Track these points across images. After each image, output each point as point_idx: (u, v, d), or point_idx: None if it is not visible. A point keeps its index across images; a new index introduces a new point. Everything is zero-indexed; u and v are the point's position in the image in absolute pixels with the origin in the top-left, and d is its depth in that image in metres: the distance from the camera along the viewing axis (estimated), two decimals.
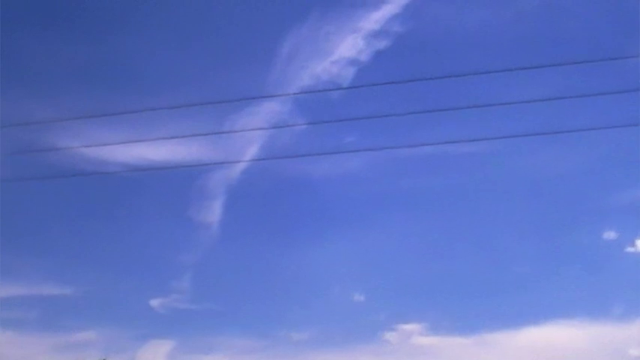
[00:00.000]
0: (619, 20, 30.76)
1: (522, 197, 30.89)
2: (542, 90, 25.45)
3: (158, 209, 32.07)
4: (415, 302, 29.77)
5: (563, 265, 29.69)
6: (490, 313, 29.39)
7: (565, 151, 30.13)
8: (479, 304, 29.63)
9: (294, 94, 30.13)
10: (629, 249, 29.60)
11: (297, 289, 30.78)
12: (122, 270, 31.14)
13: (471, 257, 30.46)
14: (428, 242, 30.99)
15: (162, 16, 31.87)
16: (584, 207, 30.51)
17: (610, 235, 30.07)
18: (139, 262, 31.33)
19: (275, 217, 32.04)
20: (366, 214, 31.83)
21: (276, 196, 32.21)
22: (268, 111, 29.16)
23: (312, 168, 31.05)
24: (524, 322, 28.87)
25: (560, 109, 24.68)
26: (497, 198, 31.11)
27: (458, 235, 30.82)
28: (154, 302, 30.37)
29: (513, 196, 30.97)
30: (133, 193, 31.70)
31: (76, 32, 31.36)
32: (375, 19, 31.15)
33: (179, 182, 31.01)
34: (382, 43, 31.32)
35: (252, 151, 29.37)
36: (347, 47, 31.24)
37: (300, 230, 31.80)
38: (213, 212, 31.52)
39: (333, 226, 31.65)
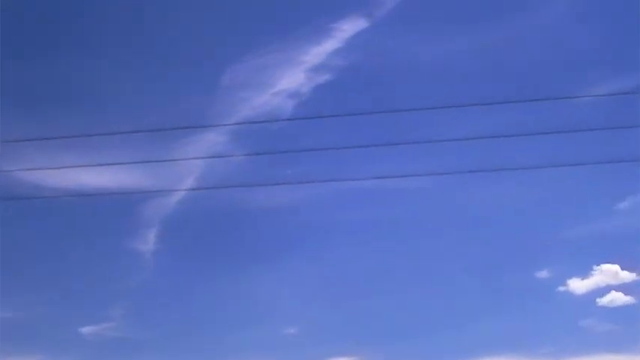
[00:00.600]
0: (569, 59, 31.61)
1: (460, 233, 31.16)
2: (484, 127, 25.89)
3: (93, 236, 31.60)
4: (349, 336, 29.68)
5: (497, 302, 30.08)
6: (424, 349, 29.53)
7: (502, 189, 30.56)
8: (413, 340, 29.79)
9: (234, 124, 30.05)
10: (561, 288, 30.15)
11: (230, 320, 30.55)
12: (53, 297, 30.51)
13: (406, 292, 30.61)
14: (364, 276, 31.00)
15: (104, 42, 31.65)
16: (519, 245, 30.90)
17: (543, 274, 30.59)
18: (71, 289, 30.75)
19: (211, 248, 31.80)
20: (303, 247, 31.83)
21: (213, 226, 31.99)
22: (208, 141, 29.21)
23: (250, 199, 30.91)
24: (458, 358, 29.00)
25: (500, 147, 25.14)
26: (435, 234, 31.40)
27: (394, 270, 30.92)
28: (85, 330, 29.82)
29: (451, 232, 31.24)
30: (67, 218, 31.22)
31: (10, 52, 30.87)
32: (316, 52, 31.50)
33: (115, 209, 30.63)
34: (323, 77, 31.69)
35: (190, 181, 29.34)
36: (288, 80, 31.55)
37: (235, 261, 31.57)
38: (149, 241, 31.17)
39: (269, 258, 31.46)
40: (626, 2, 31.39)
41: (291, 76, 31.55)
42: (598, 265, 30.07)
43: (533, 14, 31.75)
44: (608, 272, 30.06)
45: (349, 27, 31.13)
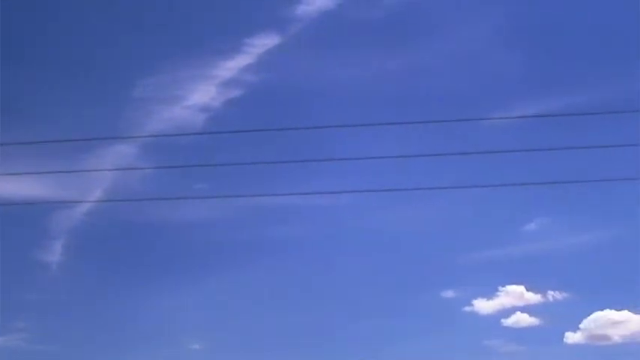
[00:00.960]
0: (480, 83, 32.10)
1: (368, 252, 31.29)
2: (395, 147, 26.06)
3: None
4: (253, 353, 29.44)
5: (403, 320, 30.13)
6: None
7: (411, 209, 30.63)
8: (317, 359, 29.78)
9: (145, 136, 29.77)
10: (467, 308, 30.39)
11: (136, 334, 29.99)
12: None
13: (313, 311, 30.44)
14: (272, 293, 30.80)
15: (12, 51, 31.03)
16: (426, 265, 31.13)
17: (449, 293, 30.77)
18: None
19: (118, 261, 31.20)
20: (212, 262, 31.43)
21: (120, 239, 31.46)
22: (117, 153, 28.71)
23: (159, 213, 30.44)
24: None
25: (411, 167, 25.29)
26: (343, 252, 31.45)
27: (302, 287, 30.89)
28: None
29: (360, 250, 31.35)
30: None
31: None
32: (228, 67, 31.41)
33: (21, 220, 29.91)
34: (235, 92, 31.65)
35: (98, 192, 28.77)
36: (199, 94, 31.37)
37: (142, 275, 31.07)
38: (55, 252, 30.53)
39: (176, 273, 30.95)
40: (536, 28, 32.22)
41: (203, 91, 31.44)
42: (504, 286, 30.50)
43: (445, 38, 32.49)
44: (514, 293, 30.48)
45: (262, 43, 31.23)
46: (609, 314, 30.34)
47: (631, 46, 31.22)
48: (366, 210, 30.58)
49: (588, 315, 30.12)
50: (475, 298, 30.36)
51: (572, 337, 30.22)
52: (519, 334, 30.07)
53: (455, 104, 31.02)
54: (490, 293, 30.44)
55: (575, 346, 30.10)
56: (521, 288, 30.40)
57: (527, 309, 30.20)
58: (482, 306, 30.33)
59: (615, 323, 30.34)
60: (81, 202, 29.42)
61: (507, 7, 32.60)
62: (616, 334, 30.27)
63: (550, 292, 30.45)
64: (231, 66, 31.28)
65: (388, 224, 31.05)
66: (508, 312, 30.21)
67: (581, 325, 30.21)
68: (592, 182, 26.86)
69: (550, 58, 32.09)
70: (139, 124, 30.39)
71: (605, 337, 30.40)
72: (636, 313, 29.98)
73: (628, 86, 30.58)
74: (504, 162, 26.98)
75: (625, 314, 30.25)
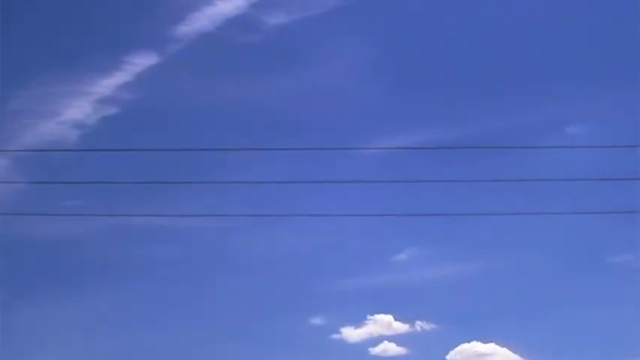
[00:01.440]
0: (354, 112, 32.45)
1: (236, 276, 30.94)
2: (269, 172, 26.16)
3: None
4: None
5: (269, 346, 29.84)
6: None
7: (283, 234, 30.54)
8: None
9: (17, 150, 29.16)
10: (335, 336, 30.30)
11: None
12: None
13: (179, 334, 29.96)
14: (138, 314, 30.33)
15: None
16: (295, 291, 30.94)
17: (317, 320, 30.68)
18: None
19: None
20: (80, 280, 30.76)
21: None
22: None
23: (30, 228, 29.67)
24: None
25: (284, 192, 25.37)
26: (212, 276, 31.03)
27: (169, 310, 30.33)
28: None
29: (228, 274, 30.98)
30: None
31: None
32: (105, 84, 31.03)
33: None
34: (110, 110, 31.29)
35: None
36: (74, 110, 30.85)
37: (5, 291, 30.28)
38: None
39: (42, 290, 30.20)
40: (409, 60, 32.89)
41: (78, 107, 30.95)
42: (372, 314, 30.50)
43: (321, 65, 32.78)
44: (382, 322, 30.51)
45: (140, 62, 31.02)
46: (476, 346, 30.66)
47: (500, 82, 32.33)
48: (235, 233, 30.46)
49: (455, 346, 30.34)
50: (343, 326, 30.31)
51: None
52: None
53: (328, 132, 31.36)
54: (359, 321, 30.46)
55: None
56: (389, 317, 30.46)
57: (394, 338, 30.28)
58: (351, 334, 30.29)
59: (481, 355, 30.67)
60: None
61: (386, 36, 33.25)
62: None
63: (418, 323, 30.64)
64: (108, 83, 30.98)
65: (257, 248, 30.78)
66: (376, 341, 30.22)
67: (447, 357, 30.38)
68: (460, 215, 27.48)
69: (422, 91, 32.80)
70: (13, 137, 29.78)
71: None
72: (502, 345, 30.49)
73: (496, 122, 31.61)
74: (378, 191, 27.30)
75: (491, 347, 30.68)
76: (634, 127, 30.26)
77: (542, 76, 32.83)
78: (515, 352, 30.30)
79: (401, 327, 30.56)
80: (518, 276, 31.35)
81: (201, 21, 31.25)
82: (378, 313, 30.46)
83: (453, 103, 32.47)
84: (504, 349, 30.48)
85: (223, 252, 31.07)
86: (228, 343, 29.48)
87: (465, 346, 30.60)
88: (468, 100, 32.35)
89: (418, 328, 30.71)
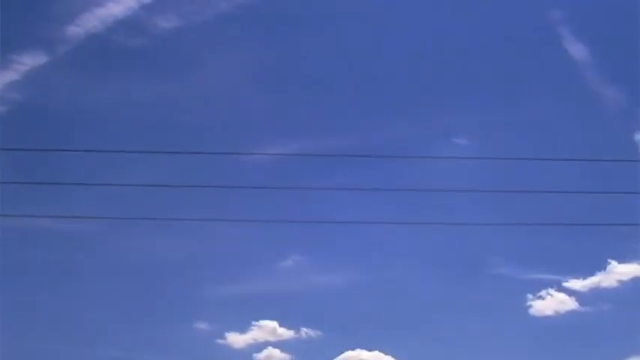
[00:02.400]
0: (238, 119, 32.50)
1: (118, 280, 30.51)
2: (149, 175, 25.97)
3: None
4: None
5: (154, 352, 29.62)
6: None
7: (166, 239, 30.27)
8: None
9: None
10: (220, 341, 30.30)
11: None
12: None
13: (53, 341, 29.47)
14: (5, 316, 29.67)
15: None
16: (180, 296, 30.72)
17: (202, 325, 30.55)
18: None
19: None
20: None
21: None
22: None
23: None
24: None
25: (167, 197, 25.18)
26: (91, 279, 30.31)
27: (42, 313, 29.89)
28: None
29: (109, 278, 30.40)
30: None
31: None
32: None
33: None
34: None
35: None
36: None
37: None
38: None
39: None
40: (299, 66, 33.19)
41: None
42: (257, 320, 30.57)
43: (209, 71, 32.75)
44: (267, 328, 30.54)
45: (29, 61, 30.48)
46: (361, 354, 30.95)
47: (391, 93, 32.84)
48: (116, 237, 30.08)
49: (340, 354, 30.53)
50: (228, 332, 30.28)
51: None
52: None
53: (215, 137, 31.46)
54: (243, 327, 30.48)
55: None
56: (274, 323, 30.54)
57: (279, 344, 30.37)
58: (235, 340, 30.25)
59: None
60: None
61: (277, 42, 33.61)
62: None
63: (303, 329, 30.79)
64: None
65: (141, 253, 30.61)
66: (260, 346, 30.27)
67: None
68: (346, 223, 27.69)
69: (312, 98, 33.09)
70: None
71: None
72: (387, 353, 30.84)
73: (384, 131, 32.09)
74: (263, 198, 27.27)
75: (375, 354, 30.99)
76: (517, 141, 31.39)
77: (433, 88, 33.53)
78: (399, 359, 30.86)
79: (286, 333, 30.70)
80: (403, 284, 31.81)
81: (91, 22, 30.97)
82: (263, 319, 30.56)
83: (343, 112, 32.91)
84: (389, 357, 30.97)
85: (101, 256, 30.61)
86: (111, 348, 29.22)
87: (349, 353, 30.80)
88: (358, 109, 32.81)
89: (303, 335, 30.91)
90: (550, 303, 31.46)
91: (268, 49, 33.08)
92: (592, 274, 31.62)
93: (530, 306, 31.39)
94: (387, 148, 31.13)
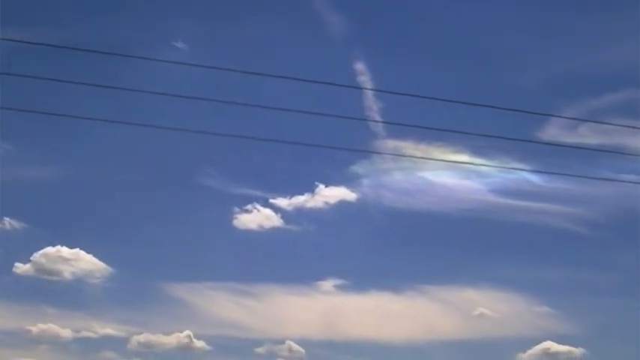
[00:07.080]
0: None
1: None
2: None
3: None
4: None
5: None
6: None
7: None
8: None
9: None
10: None
11: None
12: None
13: None
14: None
15: None
16: None
17: None
18: None
19: None
20: None
21: None
22: None
23: None
24: None
25: None
26: None
27: None
28: None
29: None
30: None
31: None
32: None
33: None
34: None
35: None
36: None
37: None
38: None
39: None
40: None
41: None
42: None
43: None
44: None
45: None
46: (61, 250, 30.58)
47: None
48: None
49: (41, 249, 30.27)
50: None
51: (22, 268, 30.27)
52: None
53: None
54: None
55: (25, 278, 30.14)
56: None
57: None
58: None
59: (66, 260, 30.65)
60: None
61: None
62: (66, 271, 30.65)
63: (7, 220, 30.02)
64: None
65: None
66: None
67: (32, 258, 30.26)
68: (60, 116, 26.72)
69: None
70: None
71: (56, 272, 30.60)
72: (88, 252, 30.62)
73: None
74: None
75: (76, 252, 30.70)
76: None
77: None
78: (101, 259, 30.72)
79: None
80: (111, 185, 31.76)
81: None
82: None
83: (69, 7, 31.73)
84: (90, 255, 30.79)
85: None
86: None
87: (50, 249, 30.46)
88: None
89: (7, 225, 30.23)
90: (255, 217, 32.58)
91: None
92: (300, 193, 33.01)
93: (236, 218, 32.28)
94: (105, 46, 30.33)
